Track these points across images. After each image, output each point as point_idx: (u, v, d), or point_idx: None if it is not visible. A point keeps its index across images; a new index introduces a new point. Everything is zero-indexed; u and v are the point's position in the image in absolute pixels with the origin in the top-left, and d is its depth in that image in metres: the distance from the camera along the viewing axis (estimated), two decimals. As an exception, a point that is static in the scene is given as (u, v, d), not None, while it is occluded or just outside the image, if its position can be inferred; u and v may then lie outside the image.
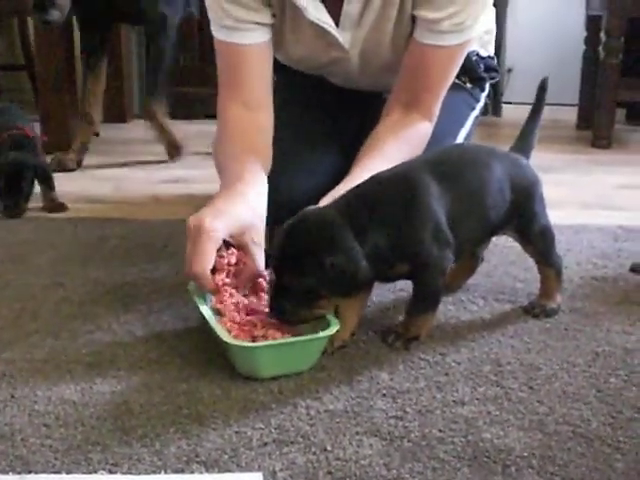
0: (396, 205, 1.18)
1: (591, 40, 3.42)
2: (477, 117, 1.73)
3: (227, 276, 1.21)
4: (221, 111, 1.46)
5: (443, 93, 1.45)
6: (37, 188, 2.08)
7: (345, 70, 1.55)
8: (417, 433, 0.99)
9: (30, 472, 0.91)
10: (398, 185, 1.20)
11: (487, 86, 1.77)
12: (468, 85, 1.70)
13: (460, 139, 1.62)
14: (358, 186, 1.22)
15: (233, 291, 1.21)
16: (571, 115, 3.50)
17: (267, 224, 1.31)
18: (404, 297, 1.40)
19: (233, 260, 1.22)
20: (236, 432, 0.99)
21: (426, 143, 1.44)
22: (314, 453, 0.95)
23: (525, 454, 0.95)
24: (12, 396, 1.08)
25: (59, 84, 2.77)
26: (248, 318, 1.19)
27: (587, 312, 1.38)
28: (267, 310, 1.18)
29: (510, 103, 3.65)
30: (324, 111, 1.65)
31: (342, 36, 1.44)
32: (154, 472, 0.91)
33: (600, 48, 3.24)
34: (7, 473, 0.91)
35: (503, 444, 0.97)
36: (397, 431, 1.00)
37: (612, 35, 3.01)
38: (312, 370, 1.15)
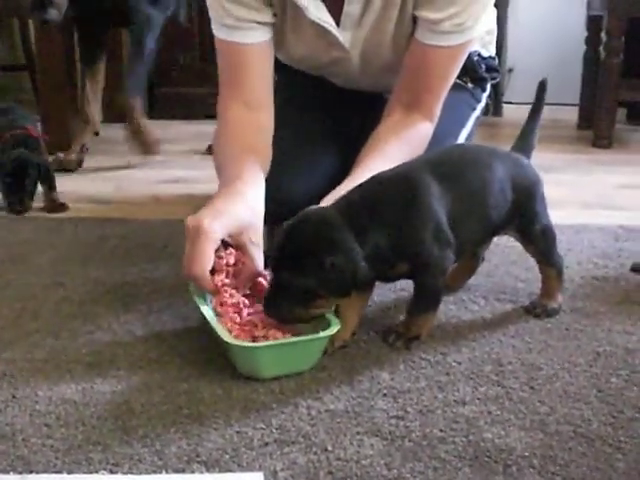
0: (397, 205, 1.18)
1: (592, 40, 3.42)
2: (478, 117, 1.73)
3: (226, 277, 1.21)
4: (221, 110, 1.45)
5: (444, 93, 1.45)
6: (39, 188, 2.08)
7: (346, 70, 1.55)
8: (418, 433, 0.99)
9: (31, 472, 0.91)
10: (399, 185, 1.20)
11: (488, 86, 1.77)
12: (469, 85, 1.70)
13: (461, 139, 1.62)
14: (359, 186, 1.21)
15: (233, 291, 1.21)
16: (572, 115, 3.50)
17: (267, 224, 1.31)
18: (405, 297, 1.40)
19: (232, 260, 1.22)
20: (237, 432, 0.99)
21: (427, 143, 1.44)
22: (315, 453, 0.95)
23: (526, 454, 0.95)
24: (13, 396, 1.08)
25: (60, 84, 2.77)
26: (248, 318, 1.19)
27: (588, 312, 1.37)
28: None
29: (511, 103, 3.65)
30: (325, 111, 1.64)
31: (343, 36, 1.44)
32: (155, 472, 0.91)
33: (601, 48, 3.24)
34: (8, 473, 0.91)
35: (504, 444, 0.97)
36: (398, 431, 1.00)
37: (613, 35, 3.01)
38: (313, 370, 1.15)
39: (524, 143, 1.39)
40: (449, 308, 1.38)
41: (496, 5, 1.53)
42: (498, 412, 1.04)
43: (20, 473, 0.91)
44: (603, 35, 3.19)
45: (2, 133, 2.12)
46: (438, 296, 1.24)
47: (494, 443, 0.97)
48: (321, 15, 1.40)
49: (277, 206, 1.32)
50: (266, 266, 1.22)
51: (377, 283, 1.27)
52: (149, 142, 2.59)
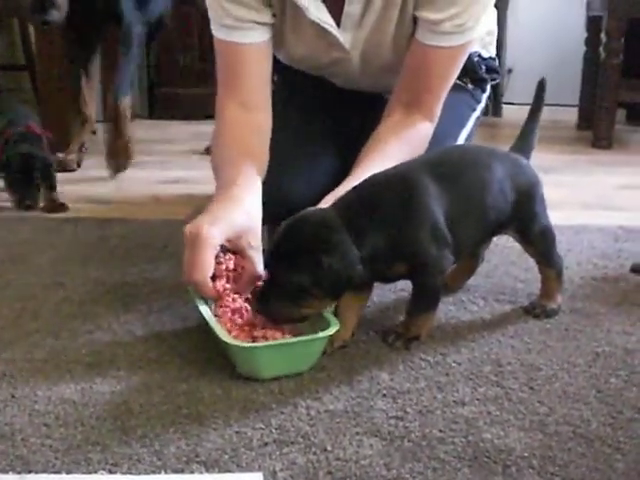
0: (394, 206, 1.18)
1: (592, 41, 3.43)
2: (478, 118, 1.73)
3: (227, 282, 1.21)
4: (219, 110, 1.45)
5: (444, 94, 1.45)
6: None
7: (346, 71, 1.55)
8: (417, 433, 0.99)
9: (30, 472, 0.91)
10: (396, 186, 1.20)
11: (488, 87, 1.76)
12: (469, 86, 1.69)
13: (461, 140, 1.62)
14: (357, 187, 1.22)
15: (235, 296, 1.21)
16: (572, 116, 3.51)
17: (267, 224, 1.31)
18: (404, 297, 1.40)
19: (231, 265, 1.22)
20: (236, 432, 0.99)
21: (427, 144, 1.44)
22: (314, 453, 0.95)
23: (525, 454, 0.95)
24: (12, 396, 1.08)
25: (60, 84, 2.77)
26: (248, 318, 1.19)
27: (587, 312, 1.37)
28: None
29: (510, 104, 3.65)
30: (325, 111, 1.64)
31: (343, 36, 1.44)
32: (154, 472, 0.91)
33: (601, 49, 3.25)
34: (7, 473, 0.91)
35: (503, 444, 0.97)
36: (397, 431, 1.00)
37: (612, 36, 3.02)
38: (312, 370, 1.15)
39: (523, 143, 1.39)
40: (448, 309, 1.38)
41: (496, 6, 1.53)
42: (497, 412, 1.04)
43: (19, 473, 0.91)
44: (603, 36, 3.20)
45: (4, 130, 2.13)
46: (437, 296, 1.24)
47: (493, 443, 0.97)
48: (321, 15, 1.40)
49: (277, 206, 1.32)
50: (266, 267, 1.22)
51: (376, 283, 1.27)
52: (125, 153, 2.47)
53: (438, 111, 1.45)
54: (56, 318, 1.35)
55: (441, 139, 1.47)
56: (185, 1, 3.03)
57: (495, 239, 1.43)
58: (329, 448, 0.96)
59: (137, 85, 3.53)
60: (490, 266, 1.58)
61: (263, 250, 1.23)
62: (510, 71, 3.80)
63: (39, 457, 0.94)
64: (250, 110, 1.42)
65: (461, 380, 1.13)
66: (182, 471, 0.92)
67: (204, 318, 1.17)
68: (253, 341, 1.15)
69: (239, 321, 1.18)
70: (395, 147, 1.38)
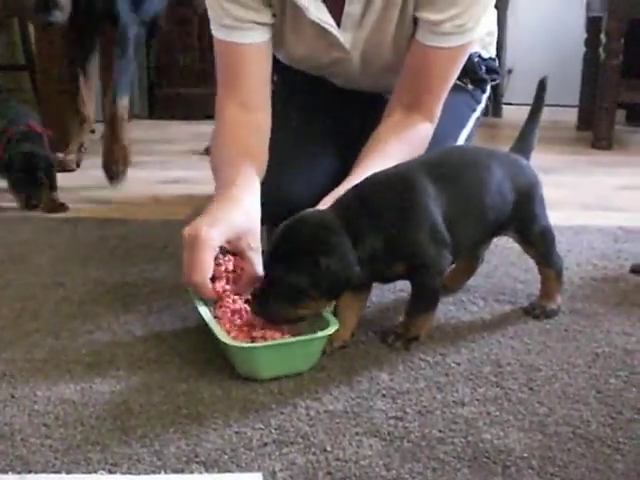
0: (393, 206, 1.18)
1: (591, 41, 3.43)
2: (478, 118, 1.73)
3: (227, 283, 1.21)
4: (219, 110, 1.46)
5: (445, 94, 1.45)
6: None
7: (346, 71, 1.55)
8: (417, 434, 0.99)
9: (30, 472, 0.91)
10: (395, 186, 1.20)
11: (488, 88, 1.77)
12: (469, 86, 1.69)
13: (461, 140, 1.62)
14: (355, 187, 1.22)
15: (236, 297, 1.21)
16: (571, 116, 3.51)
17: (267, 224, 1.31)
18: (404, 297, 1.40)
19: (230, 266, 1.22)
20: (236, 432, 0.99)
21: (427, 144, 1.44)
22: (314, 453, 0.95)
23: (525, 455, 0.95)
24: (12, 396, 1.08)
25: (60, 84, 2.77)
26: (247, 319, 1.19)
27: (587, 313, 1.38)
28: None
29: (510, 104, 3.65)
30: (324, 111, 1.64)
31: (343, 36, 1.44)
32: (154, 472, 0.91)
33: (600, 49, 3.25)
34: (7, 473, 0.91)
35: (503, 445, 0.97)
36: (397, 431, 1.00)
37: (612, 36, 3.02)
38: (312, 370, 1.15)
39: (523, 144, 1.39)
40: (448, 309, 1.38)
41: (496, 6, 1.53)
42: (497, 413, 1.04)
43: (19, 473, 0.91)
44: (603, 36, 3.20)
45: (6, 129, 2.13)
46: (436, 296, 1.24)
47: (493, 444, 0.97)
48: (322, 16, 1.40)
49: (277, 206, 1.32)
50: None
51: (376, 284, 1.27)
52: (123, 160, 2.37)
53: (438, 111, 1.45)
54: (56, 318, 1.35)
55: (441, 139, 1.47)
56: (182, 3, 3.03)
57: (495, 240, 1.43)
58: (329, 448, 0.96)
59: (137, 85, 3.54)
60: (490, 267, 1.58)
61: (262, 251, 1.24)
62: (510, 71, 3.80)
63: (39, 457, 0.94)
64: (250, 110, 1.42)
65: (461, 380, 1.13)
66: (182, 471, 0.92)
67: (203, 319, 1.17)
68: (252, 341, 1.15)
69: (238, 322, 1.18)
70: (395, 147, 1.38)
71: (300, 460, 0.94)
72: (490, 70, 1.74)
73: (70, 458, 0.94)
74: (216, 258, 1.19)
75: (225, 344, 1.11)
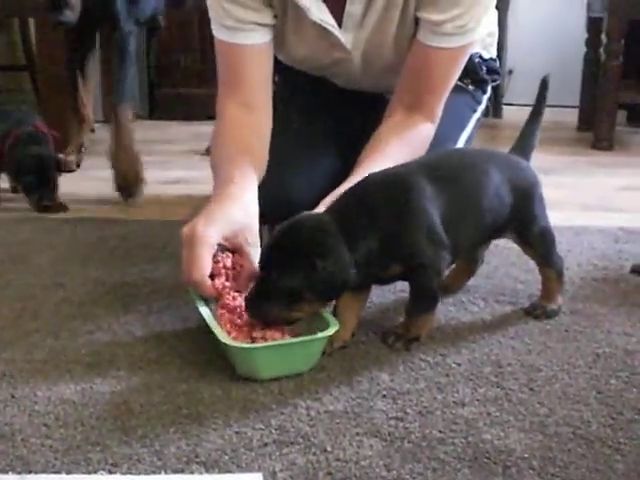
0: (390, 207, 1.18)
1: (592, 42, 3.43)
2: (479, 119, 1.73)
3: (226, 280, 1.21)
4: (219, 110, 1.46)
5: (446, 95, 1.45)
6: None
7: (347, 71, 1.55)
8: (417, 434, 0.99)
9: (30, 472, 0.91)
10: (392, 187, 1.20)
11: (489, 88, 1.77)
12: (470, 87, 1.69)
13: (462, 141, 1.62)
14: (352, 189, 1.22)
15: (236, 294, 1.21)
16: (572, 117, 3.51)
17: (268, 224, 1.31)
18: (405, 298, 1.39)
19: (228, 263, 1.22)
20: (236, 432, 0.99)
21: (428, 144, 1.44)
22: (314, 454, 0.95)
23: (526, 455, 0.95)
24: (12, 396, 1.08)
25: (60, 85, 2.78)
26: (247, 319, 1.19)
27: (588, 313, 1.37)
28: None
29: (511, 105, 3.65)
30: (326, 111, 1.65)
31: (344, 37, 1.44)
32: (154, 472, 0.91)
33: (601, 50, 3.25)
34: (7, 473, 0.91)
35: (503, 445, 0.97)
36: (397, 432, 0.99)
37: (613, 37, 3.02)
38: (312, 371, 1.15)
39: (523, 144, 1.39)
40: (449, 309, 1.38)
41: (497, 7, 1.53)
42: (497, 413, 1.04)
43: (19, 473, 0.91)
44: (603, 37, 3.20)
45: (13, 130, 2.13)
46: (435, 297, 1.24)
47: (493, 444, 0.97)
48: (323, 16, 1.40)
49: (278, 206, 1.32)
50: None
51: (376, 285, 1.27)
52: (134, 173, 2.22)
53: (439, 112, 1.45)
54: (56, 318, 1.34)
55: (442, 140, 1.47)
56: (178, 4, 3.02)
57: (495, 240, 1.43)
58: (329, 449, 0.96)
59: (137, 86, 3.54)
60: (490, 267, 1.58)
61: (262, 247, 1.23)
62: (511, 72, 3.80)
63: (39, 457, 0.94)
64: (251, 110, 1.42)
65: (461, 381, 1.13)
66: (182, 471, 0.92)
67: (204, 319, 1.17)
68: (252, 342, 1.14)
69: (238, 322, 1.18)
70: (396, 147, 1.38)
71: (300, 460, 0.93)
72: (491, 71, 1.74)
73: (70, 458, 0.94)
74: (214, 255, 1.19)
75: (225, 344, 1.11)
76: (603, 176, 2.60)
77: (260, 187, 1.33)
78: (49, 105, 2.81)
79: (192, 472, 0.91)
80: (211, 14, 1.43)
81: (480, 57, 1.70)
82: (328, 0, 1.39)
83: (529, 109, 1.41)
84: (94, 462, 0.93)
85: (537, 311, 1.36)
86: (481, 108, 1.74)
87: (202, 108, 3.36)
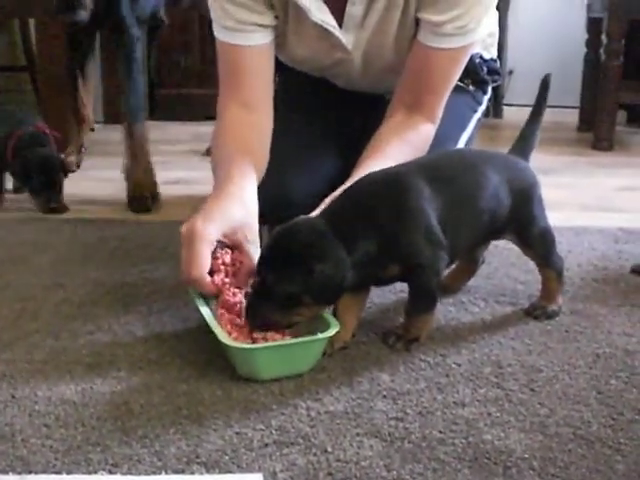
0: (387, 208, 1.17)
1: (592, 42, 3.43)
2: (479, 120, 1.73)
3: (226, 276, 1.21)
4: (220, 111, 1.46)
5: (446, 95, 1.45)
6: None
7: (348, 72, 1.55)
8: (418, 434, 0.99)
9: (30, 472, 0.91)
10: (389, 188, 1.20)
11: (489, 89, 1.77)
12: (471, 88, 1.69)
13: (462, 142, 1.62)
14: (350, 189, 1.22)
15: (236, 290, 1.20)
16: (572, 117, 3.51)
17: (268, 224, 1.31)
18: (405, 298, 1.39)
19: (227, 259, 1.22)
20: (236, 433, 0.99)
21: (429, 145, 1.44)
22: (314, 454, 0.95)
23: (526, 456, 0.95)
24: (12, 396, 1.08)
25: (61, 85, 2.78)
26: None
27: (588, 314, 1.37)
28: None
29: (511, 105, 3.65)
30: (326, 112, 1.64)
31: (345, 37, 1.44)
32: (154, 473, 0.91)
33: (601, 50, 3.25)
34: (7, 473, 0.91)
35: (504, 445, 0.97)
36: (397, 432, 0.99)
37: (613, 37, 3.02)
38: (312, 371, 1.15)
39: (523, 144, 1.39)
40: (449, 310, 1.38)
41: (497, 7, 1.53)
42: (498, 414, 1.04)
43: (19, 473, 0.91)
44: (603, 37, 3.20)
45: (15, 131, 2.13)
46: (434, 297, 1.24)
47: (494, 445, 0.97)
48: (323, 17, 1.40)
49: (279, 207, 1.32)
50: None
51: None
52: (149, 187, 2.20)
53: (440, 112, 1.45)
54: (56, 319, 1.34)
55: (442, 141, 1.47)
56: (176, 3, 3.01)
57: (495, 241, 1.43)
58: (329, 449, 0.96)
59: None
60: (490, 268, 1.58)
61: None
62: (511, 72, 3.80)
63: (39, 458, 0.94)
64: (251, 111, 1.43)
65: (461, 381, 1.13)
66: (182, 472, 0.92)
67: (204, 319, 1.17)
68: (253, 342, 1.14)
69: (239, 322, 1.18)
70: (397, 148, 1.38)
71: (301, 461, 0.93)
72: (491, 71, 1.74)
73: (71, 459, 0.94)
74: (213, 252, 1.19)
75: (226, 345, 1.11)
76: (603, 176, 2.60)
77: (260, 187, 1.33)
78: (49, 105, 2.81)
79: (192, 472, 0.91)
80: (212, 15, 1.43)
81: (481, 57, 1.70)
82: (329, 1, 1.39)
83: (529, 109, 1.41)
84: (94, 462, 0.93)
85: (537, 311, 1.36)
86: (481, 108, 1.74)
87: (202, 108, 3.36)
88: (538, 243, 1.35)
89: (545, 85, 1.39)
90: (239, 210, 1.23)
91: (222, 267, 1.21)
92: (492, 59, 1.75)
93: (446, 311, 1.37)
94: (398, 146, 1.39)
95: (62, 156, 2.53)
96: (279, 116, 1.46)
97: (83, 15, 2.14)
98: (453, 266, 1.40)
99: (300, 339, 1.13)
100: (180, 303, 1.39)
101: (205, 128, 2.89)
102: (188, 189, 2.34)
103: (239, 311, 1.18)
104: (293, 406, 1.06)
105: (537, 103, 1.40)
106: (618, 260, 1.67)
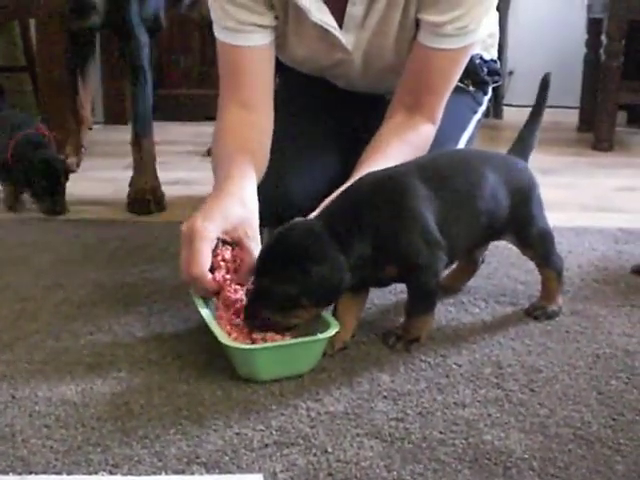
0: (384, 208, 1.17)
1: (592, 43, 3.43)
2: (479, 120, 1.73)
3: (227, 272, 1.21)
4: (220, 111, 1.46)
5: (446, 96, 1.45)
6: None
7: (348, 72, 1.55)
8: (418, 435, 0.99)
9: (31, 473, 0.91)
10: (386, 188, 1.20)
11: (490, 89, 1.77)
12: (471, 88, 1.69)
13: (462, 142, 1.62)
14: (347, 190, 1.22)
15: (237, 287, 1.20)
16: (572, 117, 3.51)
17: (268, 225, 1.30)
18: (404, 299, 1.39)
19: (228, 255, 1.21)
20: (237, 433, 0.99)
21: (429, 145, 1.44)
22: (315, 455, 0.95)
23: (526, 456, 0.95)
24: (13, 397, 1.08)
25: (61, 86, 2.78)
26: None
27: (588, 314, 1.37)
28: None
29: (511, 105, 3.66)
30: (327, 112, 1.65)
31: (345, 38, 1.44)
32: (154, 473, 0.91)
33: (601, 51, 3.25)
34: (7, 474, 0.91)
35: (504, 446, 0.97)
36: (398, 433, 0.99)
37: (613, 38, 3.02)
38: (313, 372, 1.15)
39: (522, 145, 1.39)
40: (449, 310, 1.38)
41: (497, 8, 1.53)
42: (498, 414, 1.04)
43: (19, 474, 0.91)
44: (603, 38, 3.20)
45: (16, 133, 2.12)
46: (433, 297, 1.24)
47: (494, 445, 0.97)
48: (323, 17, 1.40)
49: (279, 207, 1.33)
50: None
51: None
52: (154, 197, 2.16)
53: (440, 113, 1.45)
54: (56, 319, 1.35)
55: (442, 141, 1.47)
56: (175, 4, 3.01)
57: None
58: (329, 450, 0.96)
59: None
60: (490, 268, 1.58)
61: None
62: (511, 73, 3.80)
63: (39, 458, 0.94)
64: (252, 111, 1.43)
65: (461, 382, 1.13)
66: (182, 472, 0.92)
67: (204, 320, 1.17)
68: (252, 343, 1.14)
69: (238, 322, 1.18)
70: (397, 149, 1.38)
71: (301, 461, 0.93)
72: (491, 72, 1.74)
73: (71, 459, 0.94)
74: (214, 250, 1.19)
75: (225, 345, 1.11)
76: (603, 177, 2.60)
77: (260, 188, 1.33)
78: (49, 106, 2.81)
79: (193, 473, 0.91)
80: (213, 16, 1.43)
81: (481, 58, 1.70)
82: (329, 1, 1.39)
83: (529, 110, 1.41)
84: (95, 463, 0.93)
85: (537, 312, 1.36)
86: (482, 109, 1.74)
87: (202, 109, 3.37)
88: (537, 243, 1.34)
89: (545, 84, 1.39)
90: (239, 208, 1.23)
91: (222, 264, 1.20)
92: (492, 60, 1.75)
93: (446, 311, 1.37)
94: (398, 147, 1.39)
95: (61, 157, 2.55)
96: (279, 116, 1.46)
97: (96, 20, 2.14)
98: (453, 266, 1.40)
99: (300, 339, 1.13)
100: (180, 304, 1.39)
101: (205, 128, 2.89)
102: (188, 189, 2.34)
103: (240, 308, 1.18)
104: (293, 406, 1.06)
105: (537, 103, 1.40)
106: (618, 260, 1.67)
